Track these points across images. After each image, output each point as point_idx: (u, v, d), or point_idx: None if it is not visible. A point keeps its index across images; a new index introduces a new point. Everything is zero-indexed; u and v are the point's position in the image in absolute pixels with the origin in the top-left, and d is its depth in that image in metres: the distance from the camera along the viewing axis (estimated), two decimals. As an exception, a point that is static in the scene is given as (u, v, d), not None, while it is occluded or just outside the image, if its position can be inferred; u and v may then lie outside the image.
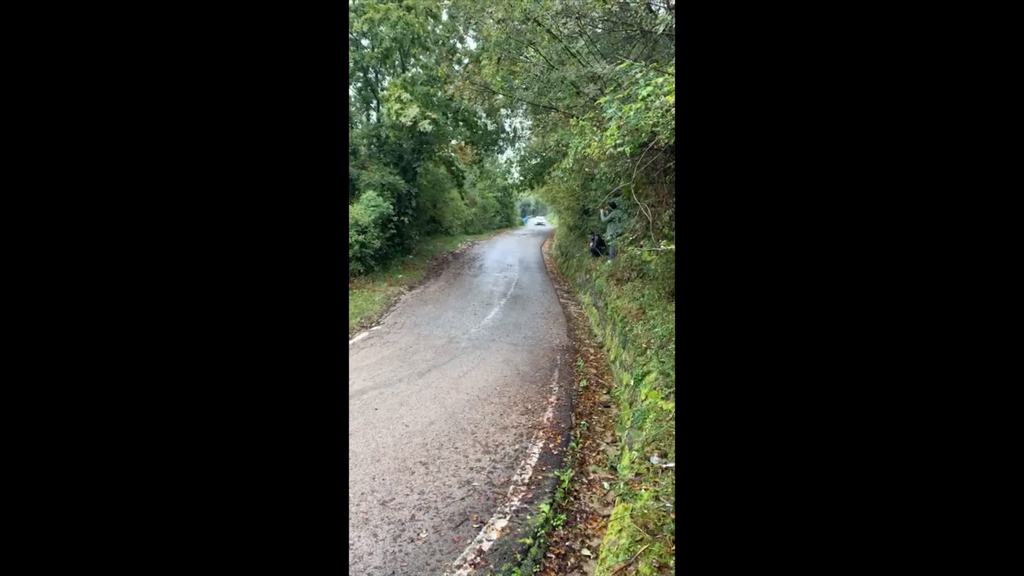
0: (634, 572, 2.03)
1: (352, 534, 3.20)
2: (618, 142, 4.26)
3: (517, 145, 15.82)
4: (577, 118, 6.40)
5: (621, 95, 4.25)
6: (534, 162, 13.68)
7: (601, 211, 10.13)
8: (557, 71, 7.36)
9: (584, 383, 6.08)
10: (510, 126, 15.85)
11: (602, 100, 4.57)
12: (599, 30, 7.80)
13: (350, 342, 7.49)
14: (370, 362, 6.54)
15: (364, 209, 11.56)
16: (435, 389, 5.68)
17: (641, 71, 4.37)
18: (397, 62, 13.63)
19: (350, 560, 2.97)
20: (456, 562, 3.01)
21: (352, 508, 3.46)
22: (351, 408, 5.07)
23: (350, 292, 10.31)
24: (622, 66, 4.87)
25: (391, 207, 12.40)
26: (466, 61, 12.06)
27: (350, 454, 4.14)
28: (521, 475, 4.01)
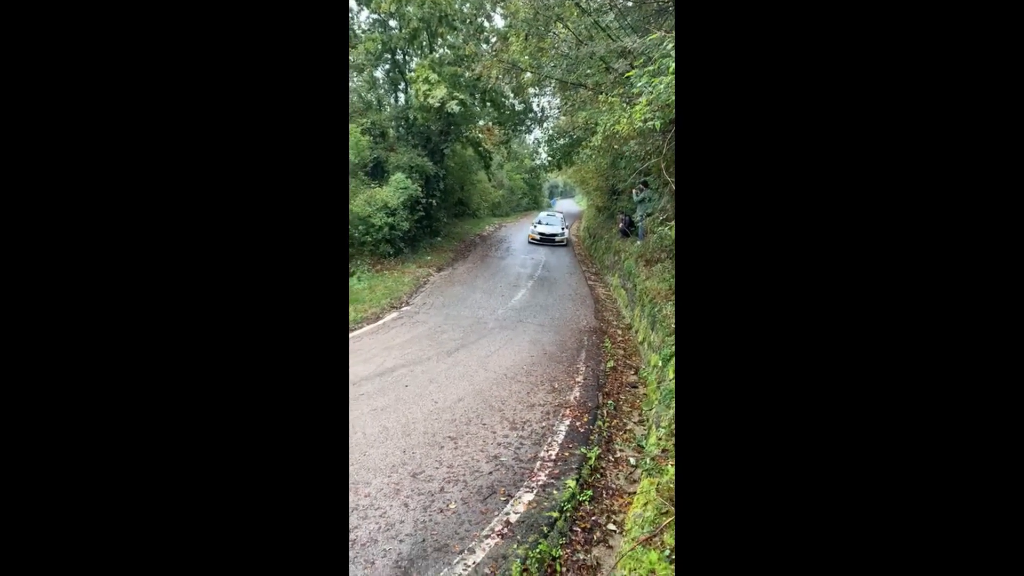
0: (659, 542, 2.04)
1: (384, 503, 3.32)
2: (647, 117, 4.16)
3: (545, 125, 15.63)
4: (606, 95, 6.27)
5: (651, 68, 4.14)
6: (562, 142, 13.49)
7: (633, 191, 9.96)
8: (586, 47, 7.19)
9: (611, 363, 6.07)
10: (538, 106, 15.64)
11: (631, 74, 4.46)
12: (629, 3, 7.57)
13: (380, 322, 7.66)
14: (400, 341, 6.68)
15: (393, 191, 11.67)
16: (463, 367, 5.77)
17: (673, 43, 4.23)
18: (424, 43, 13.56)
19: (381, 527, 3.09)
20: (484, 532, 3.10)
21: (384, 479, 3.58)
22: (382, 385, 5.20)
23: (380, 274, 10.50)
24: (653, 37, 4.73)
25: (419, 189, 12.48)
26: (493, 40, 11.92)
27: (382, 429, 4.27)
28: (548, 451, 4.06)
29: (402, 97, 15.44)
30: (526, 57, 8.52)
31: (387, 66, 14.91)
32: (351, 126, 12.33)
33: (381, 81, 15.36)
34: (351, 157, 11.94)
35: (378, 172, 12.80)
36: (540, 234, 17.07)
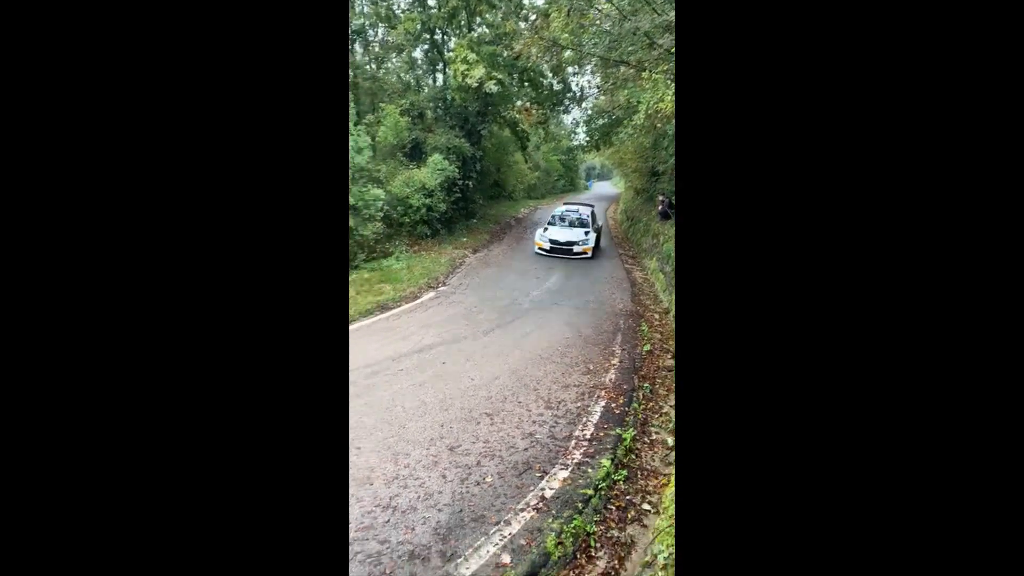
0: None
1: (423, 474, 3.44)
2: (694, 94, 4.02)
3: (583, 105, 15.34)
4: (650, 72, 6.08)
5: (699, 42, 3.98)
6: (601, 122, 13.24)
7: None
8: (629, 22, 6.98)
9: (648, 347, 6.01)
10: (576, 85, 15.35)
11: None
12: (676, -25, 7.27)
13: (418, 301, 7.80)
14: (437, 320, 6.80)
15: (431, 173, 11.76)
16: (499, 347, 5.83)
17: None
18: (463, 22, 13.47)
19: (420, 496, 3.20)
20: (520, 506, 3.17)
21: (423, 451, 3.70)
22: (421, 361, 5.33)
23: (418, 254, 10.66)
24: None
25: (456, 171, 12.53)
26: (533, 17, 11.72)
27: (421, 403, 4.39)
28: (583, 431, 4.08)
29: (440, 78, 15.43)
30: (566, 35, 8.34)
31: (426, 46, 14.90)
32: (390, 107, 12.44)
33: (420, 61, 15.39)
34: (390, 138, 12.09)
35: (416, 153, 12.91)
36: (551, 242, 11.12)
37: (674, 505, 2.25)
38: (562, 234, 11.32)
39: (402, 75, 15.05)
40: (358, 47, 14.69)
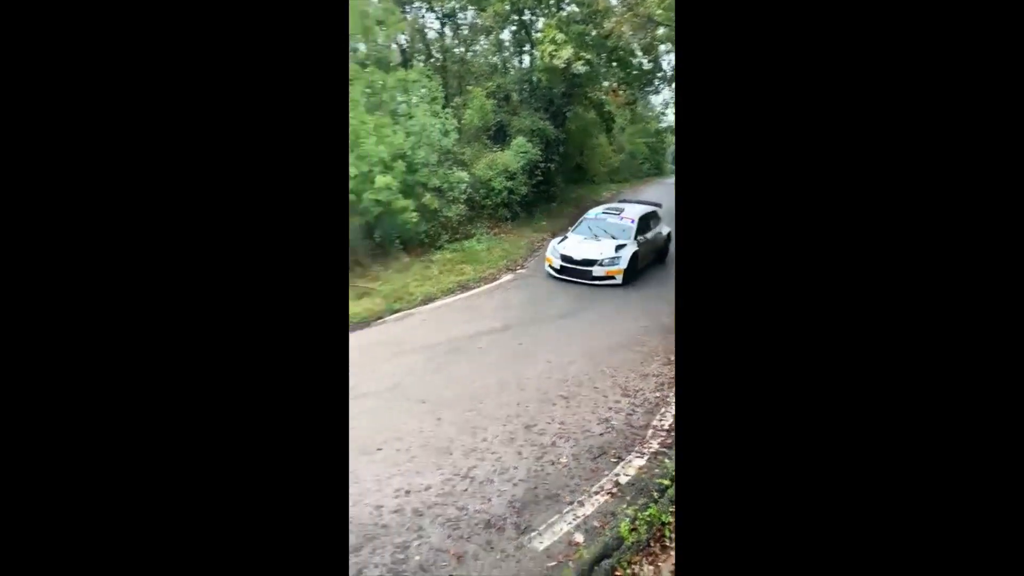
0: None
1: (499, 449, 3.56)
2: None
3: (675, 85, 14.58)
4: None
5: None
6: (693, 103, 12.54)
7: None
8: (732, -6, 6.53)
9: (734, 341, 5.72)
10: (668, 64, 14.61)
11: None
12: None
13: (497, 282, 7.94)
14: (515, 302, 6.92)
15: (514, 155, 11.82)
16: (576, 331, 5.83)
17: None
18: (552, 1, 13.25)
19: (497, 470, 3.32)
20: (594, 488, 3.19)
21: (500, 427, 3.82)
22: (498, 340, 5.47)
23: (498, 237, 10.83)
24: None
25: (539, 153, 12.49)
26: (626, -8, 11.29)
27: (498, 381, 4.52)
28: (661, 421, 4.01)
29: (527, 59, 15.35)
30: (661, 11, 7.97)
31: (514, 27, 14.86)
32: (477, 90, 12.60)
33: (507, 43, 15.39)
34: (476, 121, 12.26)
35: (500, 136, 13.01)
36: (562, 259, 7.71)
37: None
38: (580, 248, 7.75)
39: (489, 57, 15.14)
40: (448, 30, 14.98)
